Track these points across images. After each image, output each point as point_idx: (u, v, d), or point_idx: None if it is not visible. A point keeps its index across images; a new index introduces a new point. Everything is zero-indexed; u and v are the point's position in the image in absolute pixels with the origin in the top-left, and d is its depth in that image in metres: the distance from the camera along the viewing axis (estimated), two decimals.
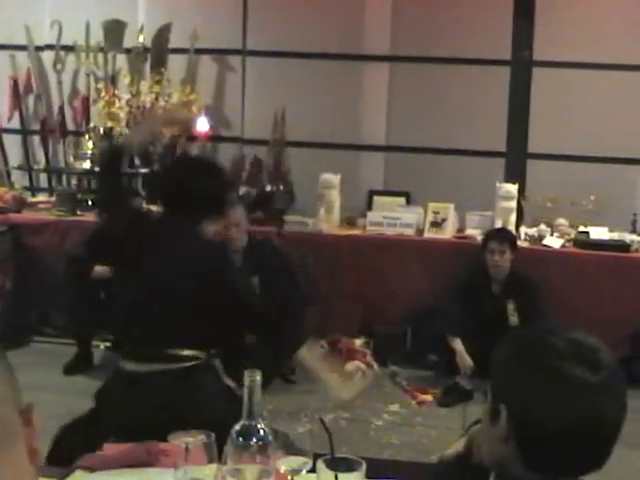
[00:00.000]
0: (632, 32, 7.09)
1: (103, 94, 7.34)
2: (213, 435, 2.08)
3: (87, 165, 7.21)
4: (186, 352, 3.18)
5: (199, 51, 7.53)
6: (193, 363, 3.18)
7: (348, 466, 1.94)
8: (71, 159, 7.45)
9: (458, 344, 5.92)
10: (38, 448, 1.15)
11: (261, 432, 1.84)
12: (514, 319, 6.04)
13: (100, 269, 6.09)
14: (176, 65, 7.47)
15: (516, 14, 7.22)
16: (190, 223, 3.28)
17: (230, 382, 3.24)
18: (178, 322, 3.15)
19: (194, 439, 2.01)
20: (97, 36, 7.58)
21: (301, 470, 1.98)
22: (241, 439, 1.83)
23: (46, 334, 6.84)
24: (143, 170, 7.26)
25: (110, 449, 2.42)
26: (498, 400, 1.67)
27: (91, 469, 2.26)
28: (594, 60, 7.10)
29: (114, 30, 7.52)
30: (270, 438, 1.85)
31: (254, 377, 1.80)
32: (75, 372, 6.11)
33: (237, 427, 1.84)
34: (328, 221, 6.82)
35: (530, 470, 1.64)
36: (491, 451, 1.71)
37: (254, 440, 1.83)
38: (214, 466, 2.08)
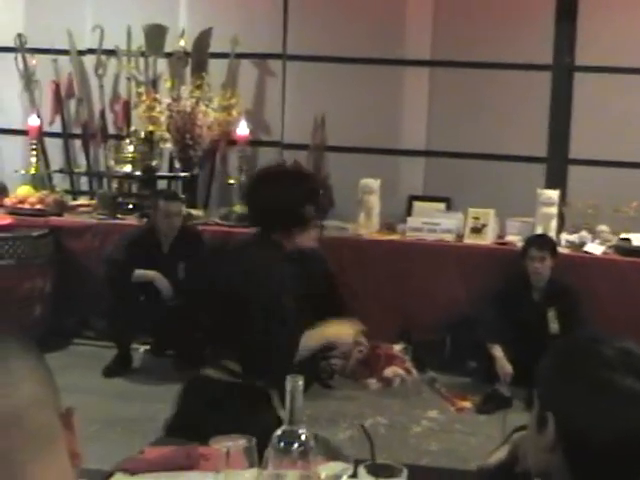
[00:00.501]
0: None
1: (144, 98, 7.38)
2: (254, 439, 2.07)
3: (128, 169, 7.25)
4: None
5: (239, 56, 7.55)
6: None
7: (389, 472, 1.93)
8: (112, 163, 7.49)
9: (498, 351, 5.87)
10: (79, 452, 1.15)
11: (302, 437, 1.83)
12: (555, 326, 5.99)
13: (140, 272, 6.13)
14: (216, 70, 7.50)
15: (558, 18, 7.17)
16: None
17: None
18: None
19: (235, 443, 2.01)
20: (138, 40, 7.62)
21: (342, 476, 1.97)
22: (282, 444, 1.82)
23: (86, 337, 6.89)
24: (183, 174, 7.29)
25: (151, 452, 2.42)
26: (545, 408, 1.64)
27: (131, 472, 2.26)
28: (637, 65, 7.03)
29: (155, 34, 7.56)
30: (311, 444, 1.84)
31: (296, 382, 1.79)
32: (114, 375, 6.15)
33: (278, 432, 1.83)
34: (367, 226, 6.80)
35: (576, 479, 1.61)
36: (537, 460, 1.69)
37: (295, 445, 1.82)
38: (254, 470, 2.08)
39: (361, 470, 1.92)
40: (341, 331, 3.50)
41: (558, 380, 1.65)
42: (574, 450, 1.60)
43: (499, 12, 7.22)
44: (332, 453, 1.95)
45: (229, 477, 2.02)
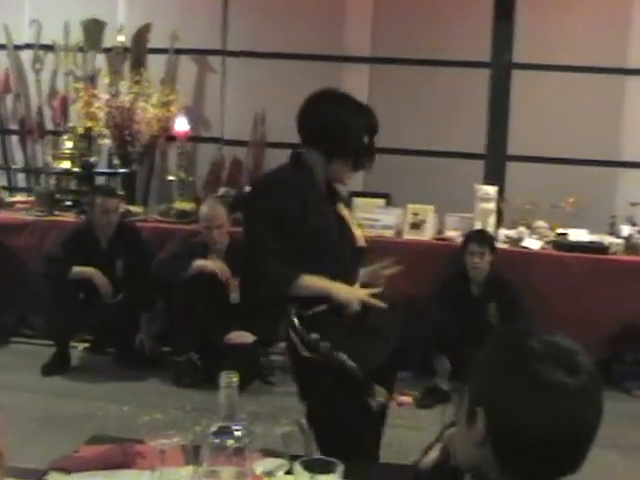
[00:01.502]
0: (611, 35, 7.12)
1: (82, 94, 7.30)
2: (190, 437, 2.06)
3: (66, 165, 7.17)
4: None
5: (179, 51, 7.52)
6: None
7: (325, 468, 1.93)
8: (49, 159, 7.41)
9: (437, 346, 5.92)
10: (2, 450, 1.14)
11: (238, 433, 1.82)
12: (494, 320, 6.04)
13: (78, 269, 6.07)
14: (156, 65, 7.46)
15: (496, 17, 7.25)
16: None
17: None
18: None
19: (170, 441, 1.99)
20: (76, 36, 7.55)
21: (278, 472, 1.97)
22: (217, 440, 1.81)
23: (24, 335, 6.79)
24: (122, 170, 7.23)
25: (86, 450, 2.40)
26: (475, 403, 1.64)
27: (67, 471, 2.24)
28: (573, 63, 7.13)
29: (93, 30, 7.50)
30: (247, 440, 1.83)
31: (231, 379, 1.79)
32: (53, 373, 6.07)
33: (214, 428, 1.82)
34: None
35: (506, 474, 1.61)
36: (467, 454, 1.69)
37: (231, 442, 1.81)
38: (190, 468, 2.07)
39: (297, 466, 1.91)
40: (347, 292, 3.38)
41: (487, 373, 1.64)
42: (503, 444, 1.60)
43: (438, 10, 7.28)
44: (268, 449, 1.95)
45: (165, 475, 2.01)
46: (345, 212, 3.56)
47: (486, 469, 1.64)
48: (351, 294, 3.39)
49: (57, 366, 6.14)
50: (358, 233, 3.57)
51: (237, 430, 1.82)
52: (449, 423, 1.98)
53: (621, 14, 7.14)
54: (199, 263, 5.98)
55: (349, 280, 3.44)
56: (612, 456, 4.85)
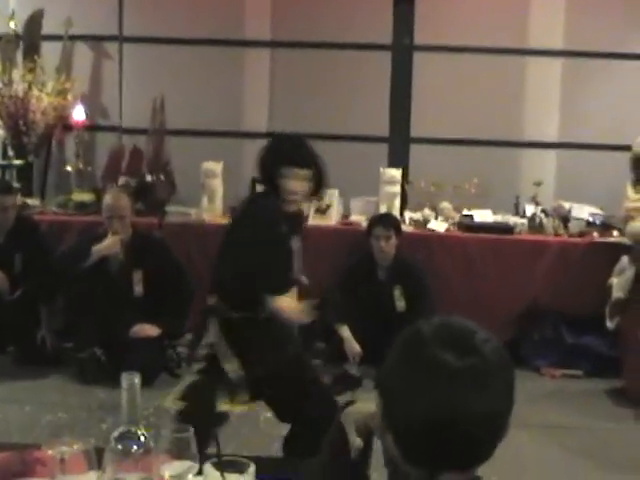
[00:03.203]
0: (510, 16, 7.15)
1: None
2: (92, 442, 1.95)
3: None
4: None
5: (74, 37, 7.28)
6: None
7: (237, 468, 1.84)
8: None
9: (345, 331, 5.87)
10: None
11: (142, 438, 1.71)
12: (401, 304, 6.04)
13: None
14: (50, 52, 7.20)
15: None
16: None
17: None
18: None
19: (70, 448, 1.87)
20: None
21: (187, 474, 1.87)
22: (121, 446, 1.70)
23: None
24: (17, 162, 6.98)
25: None
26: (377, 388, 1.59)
27: None
28: (474, 44, 7.14)
29: None
30: (152, 443, 1.73)
31: (133, 379, 1.67)
32: None
33: (116, 433, 1.71)
34: (211, 210, 6.68)
35: (409, 464, 1.53)
36: (384, 447, 1.63)
37: (135, 447, 1.70)
38: (94, 474, 1.95)
39: (207, 467, 1.82)
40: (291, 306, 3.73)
41: (385, 364, 1.57)
42: (394, 431, 1.53)
43: None
44: (176, 451, 1.84)
45: None
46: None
47: (397, 461, 1.57)
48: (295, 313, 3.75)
49: None
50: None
51: (141, 434, 1.71)
52: (345, 403, 1.91)
53: None
54: (97, 247, 5.81)
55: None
56: (522, 435, 4.86)
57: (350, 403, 1.85)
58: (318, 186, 3.88)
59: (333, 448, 1.86)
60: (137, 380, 1.69)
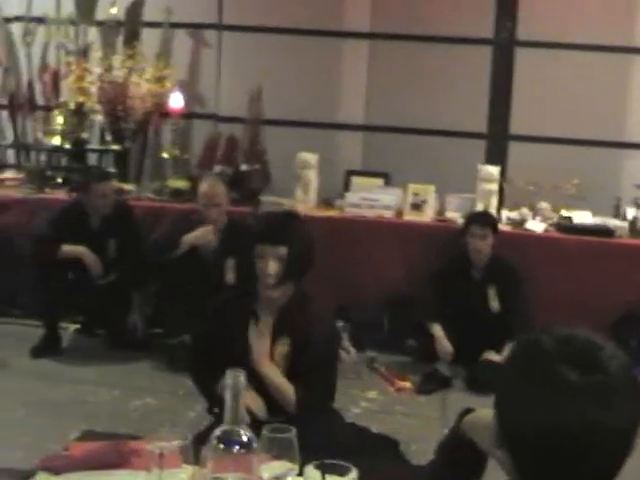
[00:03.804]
0: (614, 13, 6.96)
1: (74, 68, 7.12)
2: (190, 437, 1.90)
3: (57, 141, 6.99)
4: None
5: (173, 25, 7.32)
6: None
7: (338, 471, 1.78)
8: (40, 135, 7.23)
9: (438, 330, 5.77)
10: None
11: (244, 437, 1.66)
12: (495, 305, 5.91)
13: (67, 248, 5.89)
14: (150, 39, 7.26)
15: None
16: None
17: None
18: None
19: (169, 444, 1.83)
20: (68, 8, 7.35)
21: (287, 476, 1.81)
22: (222, 445, 1.64)
23: (13, 315, 6.61)
24: (115, 147, 7.04)
25: (76, 448, 2.23)
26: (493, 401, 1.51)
27: (55, 471, 2.07)
28: (578, 41, 6.97)
29: (86, 2, 7.30)
30: (254, 444, 1.67)
31: (238, 377, 1.62)
32: (43, 355, 5.88)
33: (217, 432, 1.66)
34: (305, 202, 6.63)
35: None
36: (498, 460, 1.55)
37: (236, 447, 1.65)
38: (190, 469, 1.91)
39: (308, 469, 1.76)
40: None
41: (501, 375, 1.51)
42: (515, 447, 1.45)
43: None
44: (276, 452, 1.78)
45: (163, 477, 1.85)
46: (280, 349, 3.26)
47: (509, 474, 1.49)
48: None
49: (47, 348, 5.96)
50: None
51: (244, 434, 1.65)
52: (463, 410, 1.83)
53: None
54: (188, 237, 5.80)
55: None
56: None
57: (469, 411, 1.77)
58: (296, 268, 3.24)
59: (447, 455, 1.79)
60: (242, 378, 1.63)
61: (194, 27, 7.37)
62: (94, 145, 7.25)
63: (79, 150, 7.00)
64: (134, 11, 7.23)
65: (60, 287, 5.86)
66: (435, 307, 5.80)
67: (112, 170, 6.65)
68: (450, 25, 7.06)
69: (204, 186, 5.93)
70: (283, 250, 3.17)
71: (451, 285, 5.85)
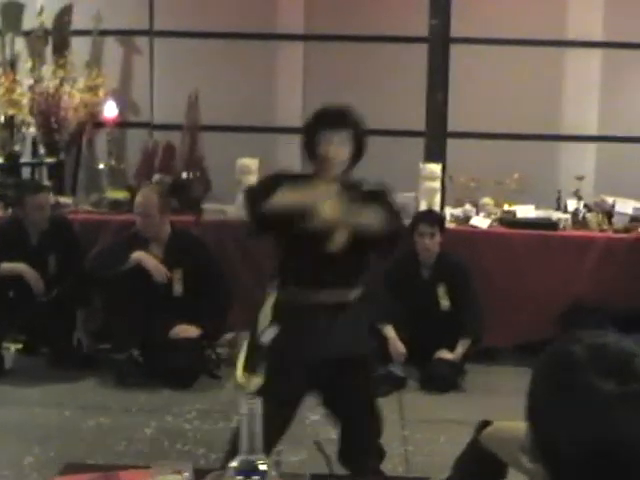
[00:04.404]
0: (549, 7, 7.01)
1: (2, 80, 6.91)
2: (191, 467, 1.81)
3: None
4: None
5: (103, 32, 7.14)
6: None
7: None
8: None
9: (390, 331, 5.74)
10: None
11: (261, 467, 1.58)
12: (445, 303, 5.91)
13: (7, 266, 5.73)
14: (79, 48, 7.08)
15: None
16: None
17: None
18: None
19: (174, 476, 1.74)
20: None
21: None
22: (240, 477, 1.56)
23: None
24: (49, 159, 6.86)
25: None
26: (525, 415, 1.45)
27: None
28: (512, 36, 7.00)
29: (12, 12, 7.10)
30: (274, 473, 1.59)
31: (253, 404, 1.54)
32: None
33: (234, 463, 1.58)
34: None
35: None
36: (532, 476, 1.49)
37: (255, 478, 1.57)
38: None
39: None
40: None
41: (532, 385, 1.44)
42: (552, 461, 1.39)
43: None
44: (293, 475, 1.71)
45: None
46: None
47: None
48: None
49: None
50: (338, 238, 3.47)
51: (261, 464, 1.57)
52: (481, 423, 1.78)
53: None
54: (137, 255, 5.69)
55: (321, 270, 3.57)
56: None
57: (486, 423, 1.71)
58: (358, 150, 3.69)
59: (467, 469, 1.73)
60: (259, 404, 1.55)
61: (125, 34, 7.21)
62: (27, 158, 7.06)
63: (12, 164, 6.81)
64: (62, 19, 7.05)
65: (1, 306, 5.69)
66: (386, 308, 5.76)
67: (47, 183, 6.47)
68: (385, 24, 7.04)
69: (138, 196, 5.84)
70: (346, 134, 3.58)
71: (401, 285, 5.83)
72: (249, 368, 3.67)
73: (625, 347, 1.40)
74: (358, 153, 3.69)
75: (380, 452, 4.06)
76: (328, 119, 3.64)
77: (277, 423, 3.46)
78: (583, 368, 1.36)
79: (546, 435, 1.40)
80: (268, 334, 3.60)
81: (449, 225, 6.25)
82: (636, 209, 6.48)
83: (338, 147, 3.56)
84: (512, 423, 1.70)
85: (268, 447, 3.00)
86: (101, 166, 6.94)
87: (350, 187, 3.64)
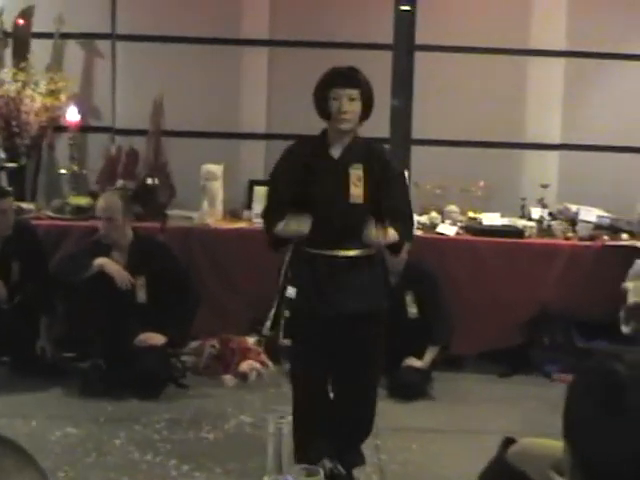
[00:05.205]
0: (514, 16, 7.03)
1: None
2: None
3: None
4: None
5: (65, 36, 7.01)
6: None
7: None
8: None
9: None
10: None
11: None
12: (413, 311, 5.92)
13: None
14: (40, 51, 6.94)
15: None
16: None
17: None
18: None
19: None
20: None
21: None
22: None
23: None
24: (9, 164, 6.72)
25: None
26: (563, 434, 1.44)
27: None
28: (476, 44, 7.00)
29: None
30: None
31: (281, 425, 1.50)
32: None
33: None
34: (211, 214, 6.48)
35: None
36: None
37: None
38: None
39: None
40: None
41: (570, 403, 1.44)
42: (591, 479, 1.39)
43: None
44: None
45: None
46: (354, 172, 4.04)
47: None
48: None
49: None
50: (355, 192, 4.02)
51: None
52: (504, 440, 1.76)
53: None
54: (100, 261, 5.62)
55: (334, 227, 4.03)
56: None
57: (512, 441, 1.69)
58: (367, 107, 4.13)
59: None
60: (287, 426, 1.51)
61: (87, 37, 7.09)
62: None
63: None
64: (23, 21, 6.91)
65: None
66: None
67: (9, 188, 6.34)
68: (350, 31, 7.00)
69: (100, 200, 5.79)
70: (356, 92, 4.07)
71: None
72: (275, 324, 4.20)
73: None
74: (366, 110, 4.13)
75: (360, 458, 4.20)
76: (340, 78, 4.11)
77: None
78: (628, 387, 1.35)
79: (591, 455, 1.38)
80: (291, 290, 4.08)
81: (417, 233, 6.24)
82: (600, 217, 6.54)
83: (350, 102, 4.03)
84: (542, 440, 1.68)
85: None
86: (62, 171, 6.81)
87: (361, 144, 4.20)
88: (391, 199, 4.14)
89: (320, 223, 4.02)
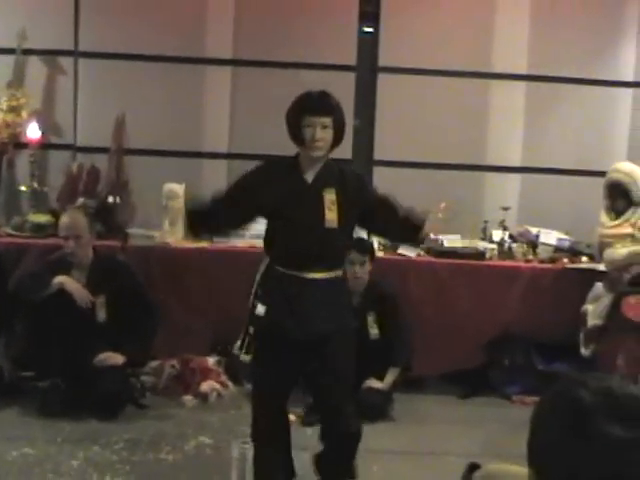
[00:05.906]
0: (476, 39, 7.10)
1: None
2: None
3: None
4: None
5: (27, 52, 6.96)
6: None
7: None
8: None
9: None
10: None
11: None
12: (374, 331, 5.91)
13: None
14: (2, 67, 6.89)
15: (361, 20, 7.12)
16: None
17: None
18: None
19: None
20: None
21: None
22: None
23: None
24: None
25: None
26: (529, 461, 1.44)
27: None
28: (438, 67, 7.07)
29: None
30: None
31: (245, 449, 1.48)
32: None
33: None
34: (173, 233, 6.45)
35: None
36: None
37: None
38: None
39: None
40: None
41: (536, 430, 1.45)
42: None
43: (302, 11, 7.07)
44: None
45: None
46: (327, 197, 4.05)
47: None
48: None
49: None
50: (329, 216, 4.04)
51: None
52: (469, 466, 1.76)
53: (484, 18, 7.13)
54: (60, 279, 5.57)
55: (307, 250, 4.03)
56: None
57: (476, 466, 1.69)
58: (339, 133, 4.10)
59: None
60: (250, 451, 1.50)
61: (49, 54, 7.04)
62: None
63: None
64: None
65: None
66: None
67: None
68: (313, 52, 7.03)
69: (64, 217, 5.75)
70: (328, 119, 4.02)
71: None
72: (244, 345, 4.14)
73: (632, 392, 1.41)
74: (338, 137, 4.10)
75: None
76: (313, 104, 4.08)
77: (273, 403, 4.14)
78: (592, 414, 1.36)
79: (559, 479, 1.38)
80: (260, 308, 4.10)
81: (378, 254, 6.26)
82: (560, 240, 6.61)
83: (323, 130, 4.00)
84: (507, 466, 1.68)
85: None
86: (23, 188, 6.75)
87: (333, 168, 4.17)
88: (384, 201, 4.41)
89: (293, 246, 4.06)
